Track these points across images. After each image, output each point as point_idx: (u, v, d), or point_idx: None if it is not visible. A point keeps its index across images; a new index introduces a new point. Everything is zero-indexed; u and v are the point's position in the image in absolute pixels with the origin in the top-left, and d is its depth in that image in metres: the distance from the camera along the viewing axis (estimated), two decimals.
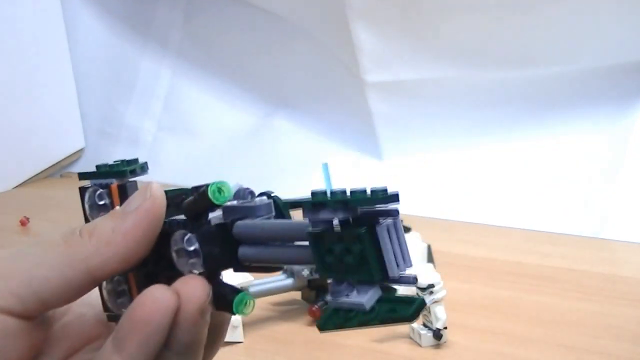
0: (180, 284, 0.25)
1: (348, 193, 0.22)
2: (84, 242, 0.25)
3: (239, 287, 0.26)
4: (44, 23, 1.12)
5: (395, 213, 0.23)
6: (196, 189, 0.26)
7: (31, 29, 1.09)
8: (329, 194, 0.23)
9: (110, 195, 0.29)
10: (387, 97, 1.00)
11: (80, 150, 1.22)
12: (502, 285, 0.68)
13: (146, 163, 0.30)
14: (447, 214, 0.93)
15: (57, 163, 1.18)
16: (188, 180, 0.29)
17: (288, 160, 1.10)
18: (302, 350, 0.57)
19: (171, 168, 1.14)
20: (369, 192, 0.22)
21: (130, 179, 0.29)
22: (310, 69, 1.10)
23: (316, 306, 0.59)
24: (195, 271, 0.26)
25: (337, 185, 0.65)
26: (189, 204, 0.26)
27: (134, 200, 0.26)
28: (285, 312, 0.63)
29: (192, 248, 0.25)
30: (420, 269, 0.59)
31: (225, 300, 0.25)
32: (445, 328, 0.55)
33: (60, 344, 0.28)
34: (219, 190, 0.25)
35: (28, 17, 1.08)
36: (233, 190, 0.27)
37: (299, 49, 1.09)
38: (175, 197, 0.28)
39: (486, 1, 0.88)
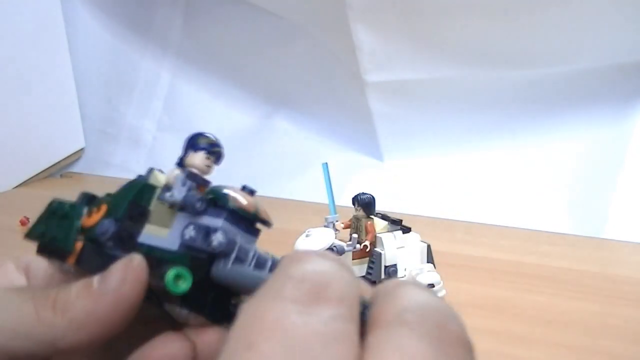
0: (195, 334, 0.24)
1: None
2: (56, 321, 0.23)
3: None
4: (44, 23, 1.12)
5: None
6: (159, 265, 0.24)
7: (31, 29, 1.08)
8: None
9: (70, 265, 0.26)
10: (387, 97, 1.00)
11: (80, 150, 1.22)
12: (502, 285, 0.68)
13: (82, 209, 0.26)
14: (447, 214, 0.93)
15: (57, 163, 1.18)
16: None
17: (288, 160, 1.10)
18: None
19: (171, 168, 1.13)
20: None
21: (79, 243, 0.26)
22: (310, 69, 1.10)
23: None
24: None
25: (336, 185, 0.65)
26: (155, 289, 0.24)
27: (111, 278, 0.23)
28: None
29: (190, 318, 0.24)
30: (420, 269, 0.59)
31: None
32: None
33: None
34: (177, 277, 0.23)
35: (28, 17, 1.08)
36: (181, 193, 0.25)
37: (299, 49, 1.09)
38: (136, 206, 0.25)
39: (486, 1, 0.88)
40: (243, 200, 0.25)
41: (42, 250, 0.26)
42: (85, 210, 0.26)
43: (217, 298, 0.24)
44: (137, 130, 1.21)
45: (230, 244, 0.24)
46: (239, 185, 0.27)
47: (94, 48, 1.22)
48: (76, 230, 0.26)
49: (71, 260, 0.25)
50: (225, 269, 0.24)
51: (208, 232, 0.24)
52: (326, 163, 0.65)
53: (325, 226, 0.61)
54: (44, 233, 0.26)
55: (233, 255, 0.24)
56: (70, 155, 1.20)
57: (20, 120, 1.08)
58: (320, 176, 0.64)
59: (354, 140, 1.09)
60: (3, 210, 0.98)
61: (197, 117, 1.19)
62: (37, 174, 1.14)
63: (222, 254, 0.24)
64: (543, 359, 0.54)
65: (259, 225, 0.26)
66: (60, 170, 1.20)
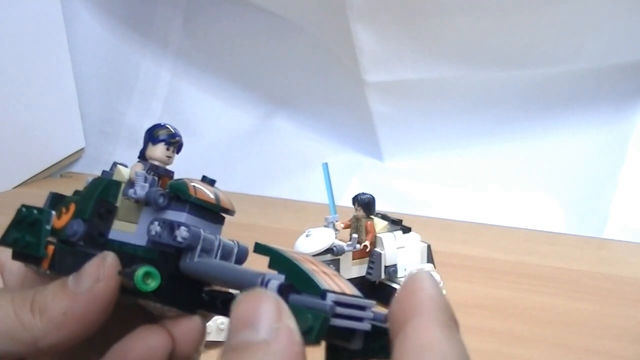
0: (173, 325, 0.24)
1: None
2: (35, 322, 0.24)
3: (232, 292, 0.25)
4: (44, 23, 1.11)
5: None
6: (131, 261, 0.24)
7: (31, 29, 1.08)
8: None
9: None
10: (387, 97, 1.00)
11: (80, 150, 1.22)
12: (502, 285, 0.68)
13: (50, 213, 0.27)
14: (447, 214, 0.93)
15: (57, 163, 1.18)
16: None
17: (288, 160, 1.10)
18: None
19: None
20: None
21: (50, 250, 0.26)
22: (311, 69, 1.10)
23: None
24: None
25: (336, 186, 0.65)
26: (125, 284, 0.24)
27: (85, 277, 0.24)
28: None
29: (165, 310, 0.24)
30: (419, 268, 0.59)
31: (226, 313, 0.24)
32: None
33: None
34: (145, 276, 0.23)
35: (28, 17, 1.08)
36: (143, 190, 0.25)
37: (299, 49, 1.09)
38: (103, 203, 0.26)
39: (486, 1, 0.88)
40: (203, 191, 0.25)
41: (17, 256, 0.27)
42: (54, 213, 0.27)
43: (189, 289, 0.25)
44: (137, 130, 1.21)
45: (194, 238, 0.24)
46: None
47: (94, 48, 1.22)
48: (46, 236, 0.26)
49: (45, 265, 0.26)
50: (193, 262, 0.24)
51: (172, 227, 0.24)
52: (326, 163, 0.65)
53: (325, 226, 0.61)
54: (16, 240, 0.27)
55: (198, 249, 0.24)
56: (70, 155, 1.20)
57: (20, 120, 1.08)
58: (320, 176, 0.65)
59: (354, 141, 1.09)
60: (3, 210, 0.98)
61: (197, 117, 1.19)
62: (37, 174, 1.14)
63: (188, 247, 0.24)
64: (543, 359, 0.54)
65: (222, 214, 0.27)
66: (60, 170, 1.20)
